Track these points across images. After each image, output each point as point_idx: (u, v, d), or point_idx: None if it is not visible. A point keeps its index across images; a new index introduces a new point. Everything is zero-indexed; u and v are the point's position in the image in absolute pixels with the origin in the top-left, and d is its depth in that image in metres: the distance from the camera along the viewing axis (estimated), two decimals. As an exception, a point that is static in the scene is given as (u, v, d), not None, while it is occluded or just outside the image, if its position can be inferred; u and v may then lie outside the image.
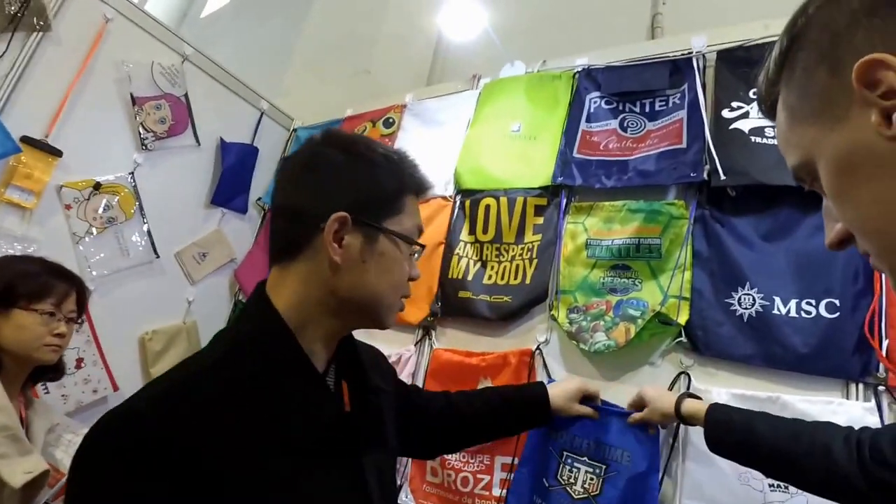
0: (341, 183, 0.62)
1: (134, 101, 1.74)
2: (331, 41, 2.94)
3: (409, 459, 1.43)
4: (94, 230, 1.63)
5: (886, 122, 0.31)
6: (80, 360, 1.58)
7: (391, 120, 1.98)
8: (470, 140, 1.68)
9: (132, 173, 1.74)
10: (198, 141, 1.92)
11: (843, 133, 0.34)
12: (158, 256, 1.79)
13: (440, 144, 1.76)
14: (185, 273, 1.91)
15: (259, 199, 2.19)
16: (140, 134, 1.76)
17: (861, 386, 0.97)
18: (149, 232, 1.77)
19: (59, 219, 1.57)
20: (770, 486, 0.96)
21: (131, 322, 1.75)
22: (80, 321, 1.18)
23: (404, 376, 1.51)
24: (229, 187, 2.03)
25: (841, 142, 0.34)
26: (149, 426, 0.48)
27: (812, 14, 0.37)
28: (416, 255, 0.68)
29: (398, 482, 1.43)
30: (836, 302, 1.01)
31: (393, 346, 1.58)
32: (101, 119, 1.68)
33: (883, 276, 0.99)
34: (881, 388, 0.95)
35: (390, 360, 1.53)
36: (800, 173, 0.40)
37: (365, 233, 0.61)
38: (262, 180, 2.18)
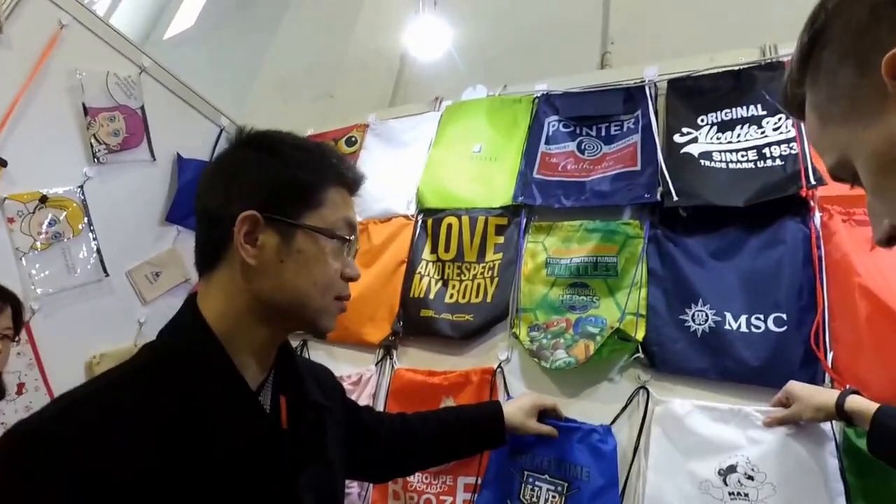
0: (251, 181, 0.58)
1: (86, 111, 1.67)
2: (295, 64, 2.95)
3: (371, 484, 1.38)
4: (38, 245, 1.54)
5: None
6: (21, 385, 1.47)
7: (354, 139, 1.98)
8: (432, 160, 1.69)
9: (81, 187, 1.67)
10: (153, 155, 1.86)
11: (877, 131, 0.33)
12: (108, 275, 1.70)
13: (403, 164, 1.77)
14: (137, 293, 1.82)
15: (217, 216, 2.13)
16: (92, 146, 1.69)
17: (808, 397, 1.01)
18: (98, 249, 1.69)
19: (2, 233, 1.48)
20: (730, 494, 0.97)
21: (78, 344, 1.65)
22: (16, 339, 1.11)
23: (365, 397, 1.47)
24: (185, 204, 1.96)
25: (877, 140, 0.33)
26: (53, 445, 0.44)
27: (831, 10, 0.35)
28: (348, 251, 0.63)
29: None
30: (784, 316, 1.05)
31: (353, 366, 1.55)
32: (51, 129, 1.61)
33: (826, 290, 1.05)
34: (826, 398, 0.99)
35: (350, 381, 1.51)
36: (839, 173, 0.39)
37: (280, 230, 0.58)
38: (220, 198, 2.13)
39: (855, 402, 0.87)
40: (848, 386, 0.95)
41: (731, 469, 0.96)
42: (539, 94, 1.60)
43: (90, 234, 1.68)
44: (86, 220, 1.67)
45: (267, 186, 0.58)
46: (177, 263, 1.96)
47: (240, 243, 0.56)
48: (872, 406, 0.83)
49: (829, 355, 1.00)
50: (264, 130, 0.63)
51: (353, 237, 0.63)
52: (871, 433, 0.83)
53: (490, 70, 2.12)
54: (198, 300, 0.60)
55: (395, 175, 1.76)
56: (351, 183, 0.65)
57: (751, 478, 0.94)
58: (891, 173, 0.34)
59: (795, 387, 0.96)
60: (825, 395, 0.91)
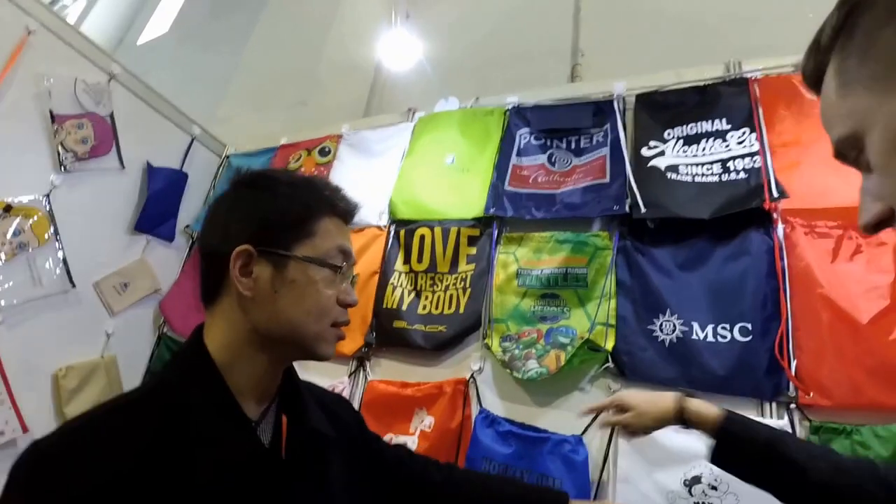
0: (245, 217, 0.61)
1: (54, 118, 1.63)
2: (270, 72, 2.94)
3: None
4: (2, 256, 1.49)
5: None
6: (-15, 398, 1.41)
7: (327, 149, 1.97)
8: (405, 171, 1.70)
9: (48, 195, 1.62)
10: (122, 164, 1.83)
11: None
12: (74, 286, 1.65)
13: (376, 175, 1.77)
14: (105, 304, 1.77)
15: (188, 226, 2.09)
16: (59, 154, 1.65)
17: (774, 405, 1.03)
18: (64, 259, 1.64)
19: (-37, 242, 1.43)
20: (695, 505, 0.98)
21: (44, 357, 1.59)
22: None
23: (337, 411, 1.45)
24: (155, 213, 1.93)
25: None
26: (52, 468, 0.47)
27: None
28: (343, 278, 0.64)
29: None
30: (749, 326, 1.07)
31: (327, 378, 1.52)
32: (17, 136, 1.57)
33: (789, 300, 1.07)
34: (792, 406, 1.01)
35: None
36: (843, 146, 0.37)
37: (272, 262, 0.60)
38: (191, 207, 2.09)
39: (694, 405, 0.78)
40: (681, 390, 0.89)
41: (696, 480, 0.97)
42: (511, 107, 1.62)
43: (56, 244, 1.63)
44: (52, 229, 1.62)
45: (259, 221, 0.61)
46: (146, 274, 1.91)
47: (235, 276, 0.59)
48: (713, 410, 0.76)
49: (793, 363, 1.02)
50: (260, 170, 0.67)
51: (346, 264, 0.64)
52: (718, 443, 0.75)
53: (463, 82, 2.15)
54: (203, 331, 0.62)
55: (367, 185, 1.75)
56: (344, 212, 0.66)
57: (714, 488, 0.95)
58: None
59: (630, 395, 0.86)
60: (664, 402, 0.81)
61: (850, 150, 0.37)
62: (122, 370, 1.79)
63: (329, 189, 0.66)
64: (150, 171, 1.92)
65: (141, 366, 1.90)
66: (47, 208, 1.62)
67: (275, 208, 0.61)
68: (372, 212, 1.68)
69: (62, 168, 1.66)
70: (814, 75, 0.40)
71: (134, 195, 1.90)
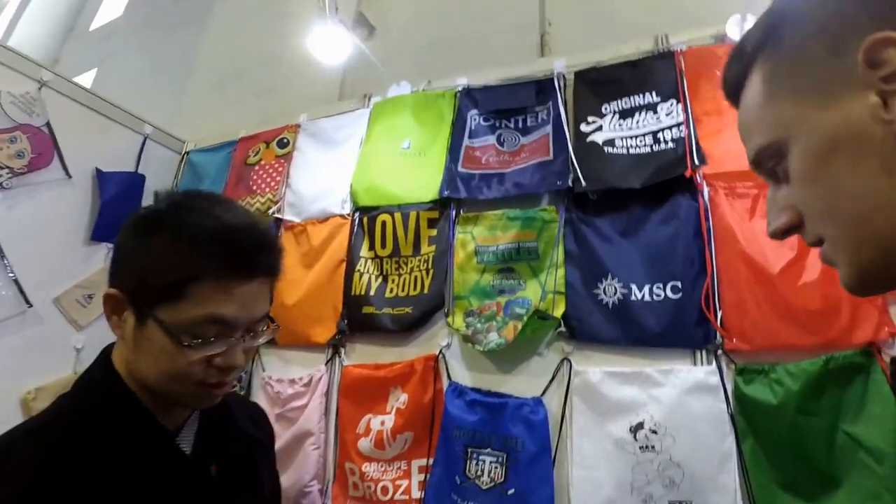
0: (120, 260, 0.61)
1: (-20, 135, 1.58)
2: (233, 58, 2.82)
3: (331, 480, 1.45)
4: (-55, 283, 1.47)
5: (885, 106, 0.30)
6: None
7: (285, 140, 1.98)
8: (363, 158, 1.73)
9: (-14, 216, 1.58)
10: (68, 173, 1.79)
11: (835, 112, 0.32)
12: (31, 305, 1.63)
13: (336, 163, 1.79)
14: (69, 319, 1.76)
15: (149, 229, 2.07)
16: (-7, 172, 1.60)
17: (704, 352, 1.16)
18: (15, 280, 1.61)
19: None
20: (640, 447, 1.11)
21: (9, 381, 1.57)
22: None
23: (317, 396, 1.53)
24: (112, 220, 1.90)
25: (831, 122, 0.33)
26: None
27: None
28: (211, 343, 0.58)
29: (322, 502, 1.45)
30: (679, 284, 1.19)
31: (304, 367, 1.59)
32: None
33: (714, 257, 1.19)
34: (719, 352, 1.14)
35: (301, 383, 1.56)
36: (762, 155, 0.38)
37: (136, 314, 0.58)
38: (151, 210, 2.07)
39: None
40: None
41: (640, 426, 1.10)
42: (460, 89, 1.66)
43: (4, 265, 1.60)
44: (-5, 250, 1.59)
45: (131, 270, 0.59)
46: (110, 282, 1.91)
47: (106, 314, 0.60)
48: None
49: (719, 315, 1.15)
50: (155, 208, 0.62)
51: (219, 333, 0.59)
52: None
53: (417, 65, 2.15)
54: (112, 350, 0.64)
55: (329, 175, 1.78)
56: (238, 270, 0.59)
57: (655, 432, 1.08)
58: (830, 160, 0.33)
59: None
60: None
61: (768, 160, 0.38)
62: (99, 381, 1.80)
63: (221, 242, 0.58)
64: (101, 177, 1.88)
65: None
66: (-13, 230, 1.58)
67: (147, 264, 0.58)
68: (335, 200, 1.71)
69: (-2, 186, 1.61)
70: (735, 82, 0.40)
71: (86, 204, 1.86)
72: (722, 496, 1.04)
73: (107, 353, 0.63)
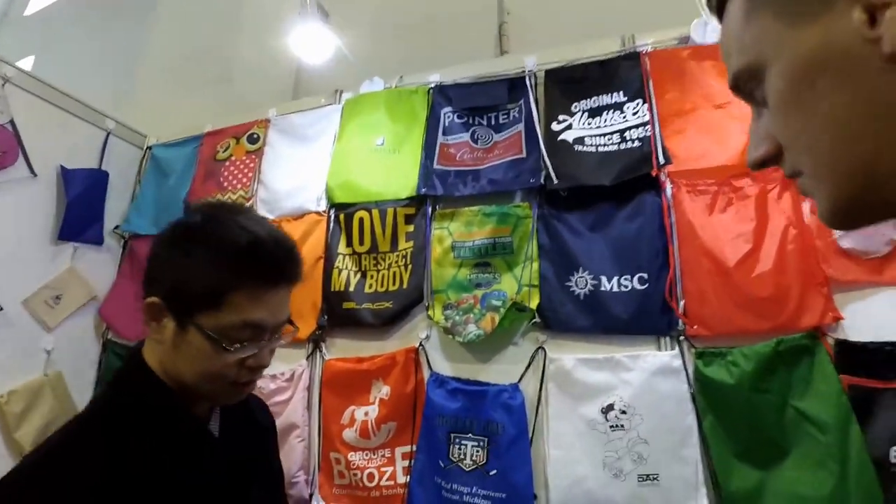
0: (158, 273, 0.65)
1: (-56, 134, 1.52)
2: (186, 46, 2.72)
3: (317, 468, 1.49)
4: None
5: (870, 22, 0.28)
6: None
7: (255, 136, 1.96)
8: (338, 155, 1.74)
9: (-48, 217, 1.54)
10: (33, 171, 1.73)
11: (815, 30, 0.30)
12: (1, 308, 1.60)
13: (309, 159, 1.80)
14: (38, 321, 1.72)
15: (117, 227, 2.03)
16: (-44, 172, 1.55)
17: (668, 339, 1.25)
18: (-18, 283, 1.58)
19: None
20: (611, 427, 1.20)
21: None
22: None
23: (300, 390, 1.56)
24: (78, 219, 1.86)
25: (812, 41, 0.30)
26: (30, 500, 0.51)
27: None
28: (248, 349, 0.64)
29: (309, 491, 1.49)
30: (645, 276, 1.27)
31: (286, 363, 1.61)
32: None
33: (677, 251, 1.28)
34: (682, 338, 1.23)
35: (283, 378, 1.59)
36: (740, 79, 0.36)
37: (177, 320, 0.63)
38: (117, 207, 2.03)
39: None
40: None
41: (610, 407, 1.19)
42: (433, 86, 1.69)
43: (-30, 268, 1.56)
44: (-38, 252, 1.55)
45: (171, 282, 0.63)
46: (78, 283, 1.87)
47: (145, 321, 0.64)
48: None
49: (681, 303, 1.23)
50: (190, 222, 0.66)
51: (254, 337, 0.64)
52: None
53: (387, 61, 2.16)
54: (143, 348, 0.67)
55: (302, 171, 1.79)
56: (268, 279, 0.64)
57: (624, 412, 1.17)
58: (810, 83, 0.31)
59: None
60: None
61: (747, 83, 0.36)
62: (70, 384, 1.77)
63: (252, 253, 0.63)
64: (66, 175, 1.83)
65: (90, 377, 1.88)
66: (-46, 230, 1.54)
67: (185, 276, 0.62)
68: (309, 197, 1.72)
69: (-37, 186, 1.56)
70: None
71: (51, 203, 1.81)
72: (685, 467, 1.14)
73: (137, 353, 0.67)
